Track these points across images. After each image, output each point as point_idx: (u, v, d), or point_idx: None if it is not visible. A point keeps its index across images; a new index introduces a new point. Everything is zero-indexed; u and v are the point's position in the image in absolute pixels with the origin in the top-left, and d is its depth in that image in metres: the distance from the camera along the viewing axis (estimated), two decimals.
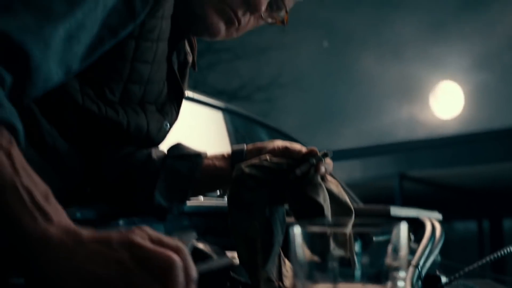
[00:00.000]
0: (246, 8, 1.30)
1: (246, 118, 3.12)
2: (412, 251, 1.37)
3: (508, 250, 1.39)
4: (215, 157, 1.35)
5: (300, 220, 1.19)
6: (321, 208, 1.18)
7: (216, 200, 1.62)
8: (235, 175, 1.23)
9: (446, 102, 15.67)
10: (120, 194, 1.30)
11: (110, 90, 1.19)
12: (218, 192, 1.68)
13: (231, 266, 1.09)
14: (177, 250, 0.79)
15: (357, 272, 0.70)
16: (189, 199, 1.35)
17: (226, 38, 1.35)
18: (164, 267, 0.77)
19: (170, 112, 1.36)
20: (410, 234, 1.62)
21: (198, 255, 1.00)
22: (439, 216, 1.77)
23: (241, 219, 1.21)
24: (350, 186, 2.65)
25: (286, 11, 1.37)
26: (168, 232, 1.35)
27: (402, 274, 0.71)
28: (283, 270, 1.23)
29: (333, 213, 1.20)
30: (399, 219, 1.21)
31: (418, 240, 1.49)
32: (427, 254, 1.38)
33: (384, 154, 10.64)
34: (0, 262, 0.84)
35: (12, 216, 0.79)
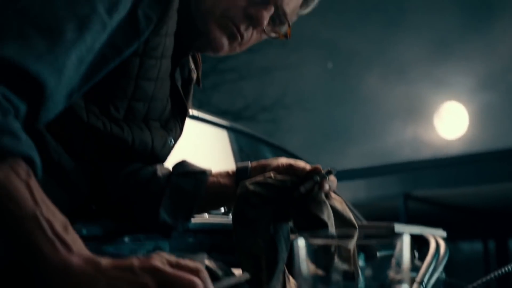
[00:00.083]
0: (249, 22, 1.31)
1: (250, 137, 3.13)
2: (416, 268, 1.37)
3: None
4: (220, 175, 1.35)
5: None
6: (325, 225, 1.18)
7: (221, 218, 1.62)
8: (240, 192, 1.24)
9: (451, 122, 15.66)
10: (125, 211, 1.31)
11: (115, 107, 1.21)
12: (223, 210, 1.68)
13: (248, 281, 1.10)
14: (196, 272, 0.85)
15: (361, 286, 0.71)
16: (194, 217, 1.35)
17: (230, 53, 1.37)
18: None
19: (174, 128, 1.37)
20: (415, 251, 1.63)
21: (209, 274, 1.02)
22: (443, 233, 1.77)
23: (245, 236, 1.22)
24: (355, 206, 2.66)
25: (289, 25, 1.38)
26: (173, 249, 1.35)
27: (405, 287, 0.71)
28: (288, 287, 1.23)
29: (337, 230, 1.21)
30: None
31: (422, 257, 1.49)
32: (431, 271, 1.38)
33: (389, 174, 10.62)
34: None
35: (34, 246, 0.83)
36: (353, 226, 1.23)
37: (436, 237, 1.61)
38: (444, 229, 1.85)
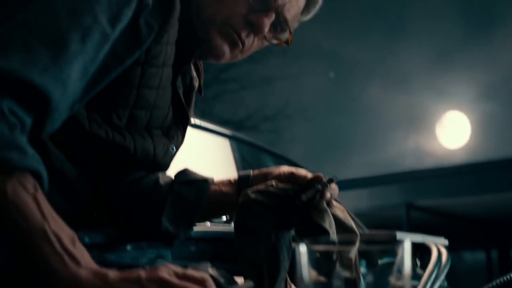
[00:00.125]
0: (250, 29, 1.32)
1: (253, 146, 3.14)
2: (418, 277, 1.37)
3: None
4: (222, 183, 1.35)
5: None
6: (327, 233, 1.18)
7: (223, 226, 1.63)
8: (241, 201, 1.24)
9: (453, 132, 15.68)
10: (127, 220, 1.31)
11: (117, 115, 1.21)
12: (225, 218, 1.68)
13: None
14: (203, 283, 0.86)
15: None
16: (196, 225, 1.36)
17: (231, 60, 1.37)
18: None
19: (176, 136, 1.37)
20: (417, 259, 1.63)
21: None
22: (445, 242, 1.77)
23: (247, 245, 1.22)
24: (357, 215, 2.65)
25: (290, 32, 1.38)
26: (175, 258, 1.35)
27: None
28: None
29: (339, 235, 1.21)
30: None
31: (424, 265, 1.49)
32: (433, 279, 1.37)
33: (391, 183, 10.62)
34: None
35: (43, 260, 0.86)
36: (354, 234, 1.24)
37: (438, 245, 1.61)
38: (446, 238, 1.85)
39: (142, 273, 0.87)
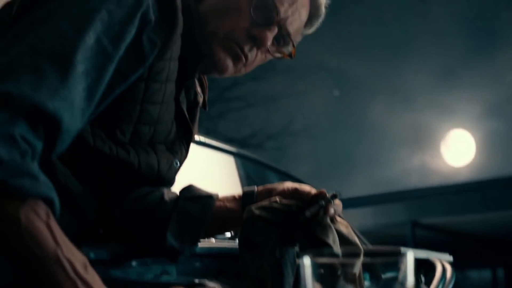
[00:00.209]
0: (253, 43, 1.33)
1: (257, 163, 3.14)
2: None
3: None
4: (226, 199, 1.36)
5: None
6: (331, 249, 1.18)
7: (227, 242, 1.63)
8: (246, 217, 1.24)
9: (458, 150, 15.66)
10: (132, 236, 1.31)
11: (121, 131, 1.21)
12: (229, 234, 1.68)
13: None
14: None
15: None
16: (200, 241, 1.36)
17: (235, 74, 1.38)
18: None
19: (180, 151, 1.38)
20: (421, 275, 1.62)
21: None
22: (449, 258, 1.76)
23: (251, 261, 1.22)
24: (362, 233, 2.65)
25: (293, 45, 1.39)
26: (180, 274, 1.36)
27: None
28: None
29: (342, 248, 1.21)
30: None
31: (428, 282, 1.49)
32: None
33: (396, 201, 10.59)
34: None
35: (57, 285, 0.87)
36: (358, 248, 1.24)
37: (442, 261, 1.61)
38: (452, 256, 1.85)
39: None
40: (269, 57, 1.40)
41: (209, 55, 1.32)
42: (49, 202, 0.92)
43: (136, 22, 1.12)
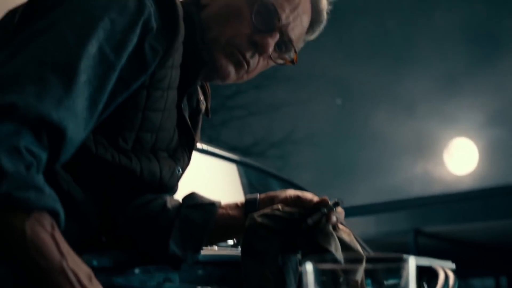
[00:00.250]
0: (254, 50, 1.33)
1: (260, 171, 3.15)
2: None
3: None
4: (229, 206, 1.36)
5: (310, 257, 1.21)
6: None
7: (230, 250, 1.63)
8: (248, 224, 1.24)
9: (460, 158, 15.66)
10: (135, 243, 1.32)
11: (123, 138, 1.22)
12: (232, 242, 1.68)
13: None
14: None
15: None
16: (203, 248, 1.36)
17: (237, 81, 1.38)
18: None
19: (182, 158, 1.38)
20: (424, 283, 1.62)
21: None
22: (452, 265, 1.76)
23: (254, 268, 1.22)
24: (365, 241, 2.65)
25: (295, 51, 1.40)
26: (183, 281, 1.36)
27: None
28: None
29: (345, 262, 1.21)
30: None
31: None
32: None
33: (399, 209, 10.58)
34: None
35: None
36: (360, 256, 1.24)
37: (445, 269, 1.61)
38: (455, 265, 1.84)
39: None
40: (271, 63, 1.40)
41: (211, 61, 1.33)
42: (54, 214, 0.92)
43: (138, 30, 1.13)
